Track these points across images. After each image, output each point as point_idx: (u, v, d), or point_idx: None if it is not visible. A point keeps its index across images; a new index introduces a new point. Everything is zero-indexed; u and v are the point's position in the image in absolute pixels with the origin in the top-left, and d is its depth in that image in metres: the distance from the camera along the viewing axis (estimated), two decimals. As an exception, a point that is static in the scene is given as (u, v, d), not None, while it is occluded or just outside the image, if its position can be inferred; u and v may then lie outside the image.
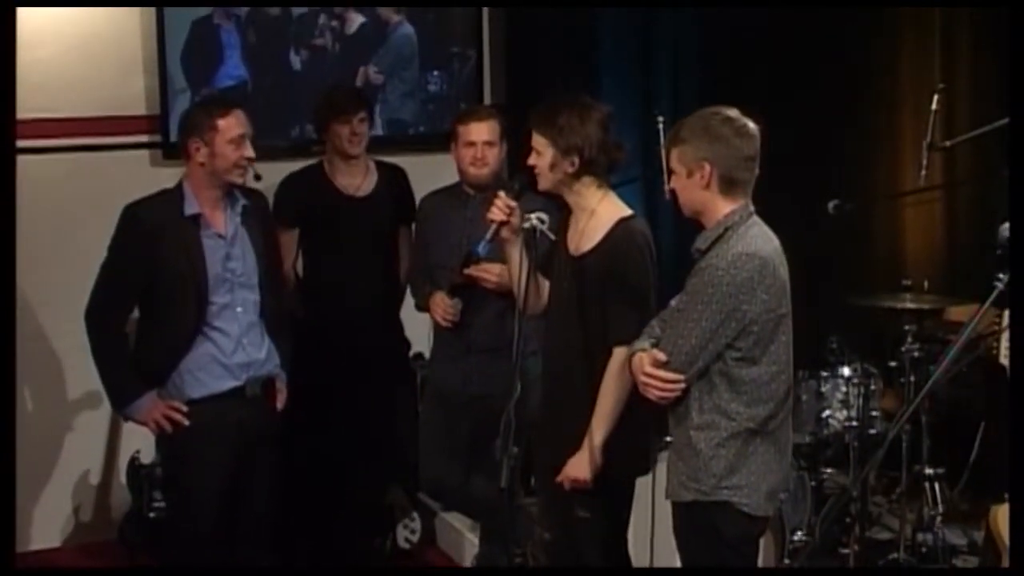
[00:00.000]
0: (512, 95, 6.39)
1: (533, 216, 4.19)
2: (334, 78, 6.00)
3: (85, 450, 6.15)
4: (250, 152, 4.57)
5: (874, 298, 5.57)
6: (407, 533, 5.86)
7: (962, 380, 5.85)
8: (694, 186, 3.92)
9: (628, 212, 4.34)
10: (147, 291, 4.58)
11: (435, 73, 6.44)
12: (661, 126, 5.17)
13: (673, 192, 4.04)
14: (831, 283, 5.81)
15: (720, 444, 3.91)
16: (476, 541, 5.62)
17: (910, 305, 5.30)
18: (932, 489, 5.57)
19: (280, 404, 4.82)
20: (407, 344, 5.65)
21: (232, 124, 4.53)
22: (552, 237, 4.27)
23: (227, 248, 4.61)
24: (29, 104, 5.50)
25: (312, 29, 6.21)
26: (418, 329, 5.59)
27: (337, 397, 5.46)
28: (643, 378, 3.95)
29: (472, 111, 5.22)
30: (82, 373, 5.96)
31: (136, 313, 4.71)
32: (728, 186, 3.90)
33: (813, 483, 5.44)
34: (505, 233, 4.34)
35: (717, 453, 3.91)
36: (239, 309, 4.63)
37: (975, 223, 5.98)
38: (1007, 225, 3.82)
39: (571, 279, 4.33)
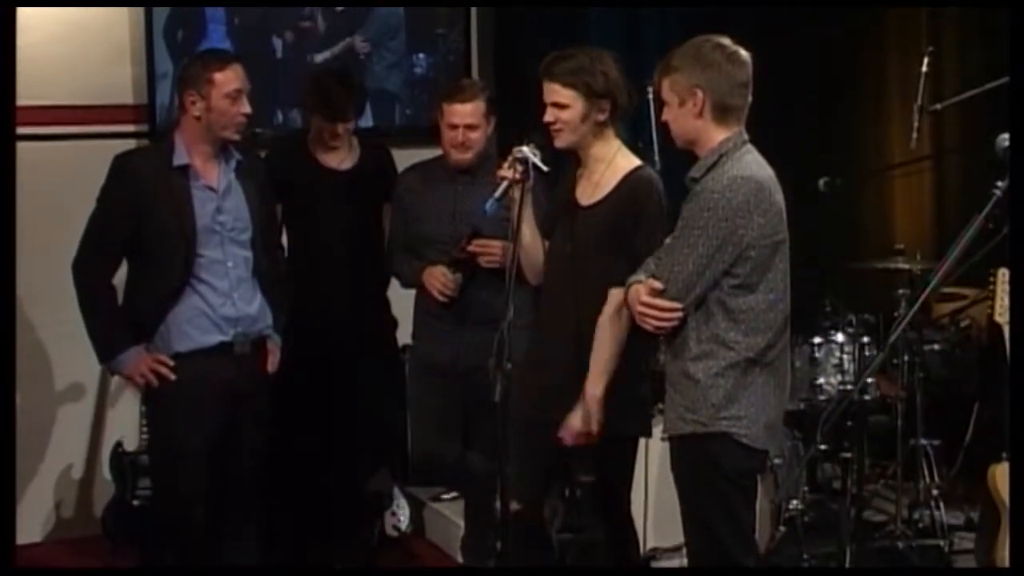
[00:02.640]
0: (499, 77, 6.38)
1: (525, 147, 4.17)
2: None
3: (68, 444, 6.07)
4: (247, 108, 4.53)
5: (867, 261, 5.58)
6: (395, 521, 5.77)
7: (956, 361, 5.85)
8: (687, 115, 3.90)
9: (639, 163, 4.32)
10: (135, 242, 4.53)
11: (420, 56, 6.42)
12: (651, 96, 5.16)
13: (665, 125, 4.02)
14: (825, 257, 5.80)
15: (718, 374, 3.85)
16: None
17: (903, 265, 5.30)
18: (928, 462, 5.53)
19: (272, 367, 4.75)
20: (394, 323, 5.56)
21: (230, 78, 4.49)
22: (545, 169, 4.23)
23: (218, 201, 4.56)
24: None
25: (299, 9, 6.21)
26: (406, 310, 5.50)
27: (322, 377, 5.34)
28: (640, 308, 3.90)
29: (457, 89, 5.08)
30: (66, 365, 5.98)
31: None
32: (721, 113, 3.88)
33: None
34: (516, 193, 4.28)
35: (715, 383, 3.85)
36: (229, 264, 4.56)
37: (964, 192, 5.99)
38: (1006, 136, 3.82)
39: (579, 230, 4.28)
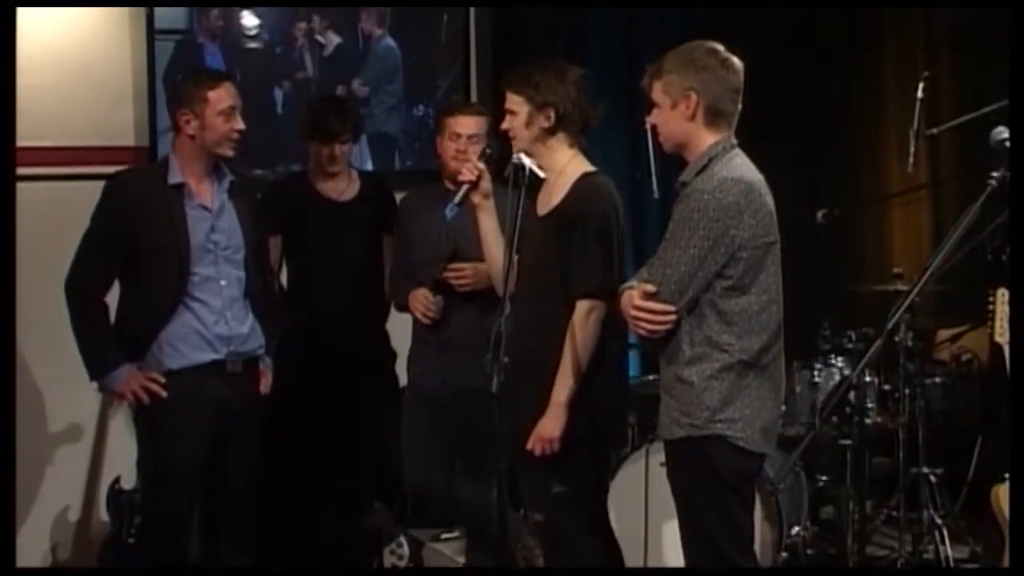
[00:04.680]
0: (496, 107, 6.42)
1: (522, 154, 4.20)
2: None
3: (65, 485, 6.00)
4: (240, 124, 4.58)
5: (866, 285, 5.58)
6: (394, 559, 5.70)
7: (957, 394, 5.82)
8: (679, 117, 3.91)
9: (591, 168, 4.36)
10: (128, 260, 4.54)
11: (419, 107, 6.47)
12: (649, 127, 5.18)
13: (655, 128, 4.02)
14: (823, 282, 5.80)
15: (713, 376, 3.82)
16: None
17: (902, 287, 5.29)
18: (931, 491, 5.48)
19: (264, 388, 4.74)
20: (393, 355, 5.55)
21: (222, 96, 4.54)
22: (542, 175, 4.26)
23: (212, 220, 4.58)
24: (18, 132, 5.50)
25: (292, 58, 6.24)
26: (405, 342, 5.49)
27: (319, 408, 5.33)
28: (633, 312, 3.87)
29: (461, 104, 5.26)
30: (64, 404, 5.93)
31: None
32: (713, 117, 3.89)
33: (809, 489, 5.37)
34: (476, 198, 4.36)
35: (710, 385, 3.82)
36: (223, 283, 4.58)
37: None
38: (1000, 129, 3.84)
39: (539, 240, 4.31)
